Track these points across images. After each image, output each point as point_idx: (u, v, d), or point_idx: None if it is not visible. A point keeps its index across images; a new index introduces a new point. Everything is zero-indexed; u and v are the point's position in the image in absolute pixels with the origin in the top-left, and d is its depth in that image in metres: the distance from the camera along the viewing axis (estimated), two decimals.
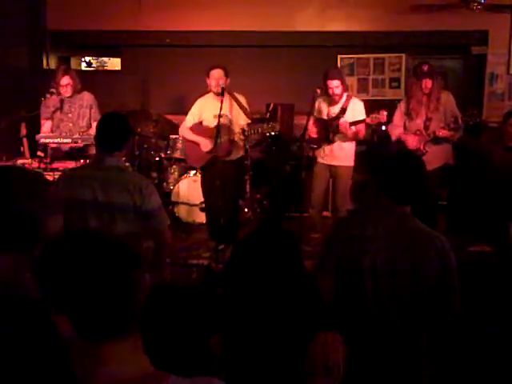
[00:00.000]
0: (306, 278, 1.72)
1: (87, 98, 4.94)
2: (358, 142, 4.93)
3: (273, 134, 4.53)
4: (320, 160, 4.88)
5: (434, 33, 6.40)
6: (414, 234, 2.16)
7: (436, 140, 4.70)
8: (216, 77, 4.61)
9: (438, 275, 2.12)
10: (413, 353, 2.18)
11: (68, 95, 4.85)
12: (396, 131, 4.90)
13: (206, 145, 4.71)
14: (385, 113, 4.59)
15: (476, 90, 6.60)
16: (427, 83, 4.68)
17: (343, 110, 4.77)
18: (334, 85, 4.70)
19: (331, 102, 4.82)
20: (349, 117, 4.75)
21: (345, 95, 4.79)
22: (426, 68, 4.97)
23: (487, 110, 6.45)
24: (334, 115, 4.81)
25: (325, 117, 4.87)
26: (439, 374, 2.43)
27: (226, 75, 4.64)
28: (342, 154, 4.83)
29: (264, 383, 1.57)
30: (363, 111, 4.77)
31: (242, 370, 1.57)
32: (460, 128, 4.66)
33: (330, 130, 4.79)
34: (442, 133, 4.64)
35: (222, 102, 4.44)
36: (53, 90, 4.78)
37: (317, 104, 4.94)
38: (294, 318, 1.61)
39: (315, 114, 4.95)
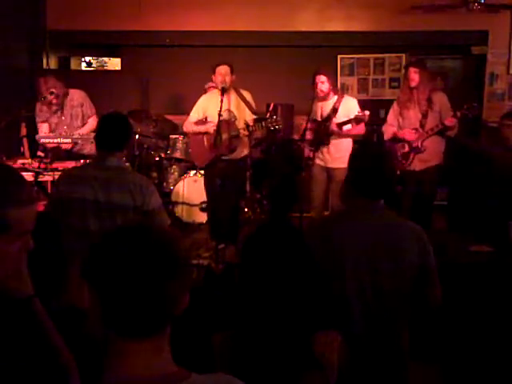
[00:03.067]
0: (316, 274, 1.72)
1: (76, 97, 4.89)
2: (354, 142, 4.93)
3: (277, 127, 4.52)
4: (317, 162, 4.86)
5: (434, 33, 6.40)
6: (393, 228, 2.16)
7: (434, 137, 4.69)
8: (222, 73, 4.63)
9: (419, 267, 2.13)
10: (396, 349, 2.17)
11: (55, 102, 4.79)
12: (389, 130, 4.92)
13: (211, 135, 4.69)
14: (367, 112, 4.58)
15: (476, 90, 6.59)
16: (411, 73, 4.66)
17: (335, 110, 4.77)
18: (320, 80, 4.73)
19: (320, 100, 4.83)
20: (341, 116, 4.76)
21: (335, 96, 4.80)
22: (413, 59, 4.97)
23: (487, 110, 6.44)
24: (325, 115, 4.82)
25: (318, 118, 4.88)
26: (437, 372, 2.43)
27: (232, 72, 4.67)
28: (338, 155, 4.80)
29: (268, 377, 1.57)
30: (357, 108, 4.74)
31: (249, 365, 1.57)
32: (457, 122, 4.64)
33: (323, 131, 4.80)
34: (453, 121, 4.56)
35: (221, 102, 4.47)
36: (44, 97, 4.72)
37: (313, 105, 4.97)
38: (303, 314, 1.62)
39: (312, 115, 4.97)
